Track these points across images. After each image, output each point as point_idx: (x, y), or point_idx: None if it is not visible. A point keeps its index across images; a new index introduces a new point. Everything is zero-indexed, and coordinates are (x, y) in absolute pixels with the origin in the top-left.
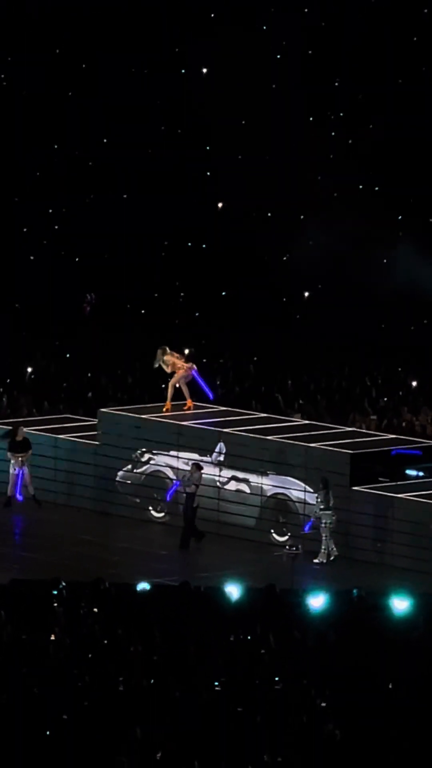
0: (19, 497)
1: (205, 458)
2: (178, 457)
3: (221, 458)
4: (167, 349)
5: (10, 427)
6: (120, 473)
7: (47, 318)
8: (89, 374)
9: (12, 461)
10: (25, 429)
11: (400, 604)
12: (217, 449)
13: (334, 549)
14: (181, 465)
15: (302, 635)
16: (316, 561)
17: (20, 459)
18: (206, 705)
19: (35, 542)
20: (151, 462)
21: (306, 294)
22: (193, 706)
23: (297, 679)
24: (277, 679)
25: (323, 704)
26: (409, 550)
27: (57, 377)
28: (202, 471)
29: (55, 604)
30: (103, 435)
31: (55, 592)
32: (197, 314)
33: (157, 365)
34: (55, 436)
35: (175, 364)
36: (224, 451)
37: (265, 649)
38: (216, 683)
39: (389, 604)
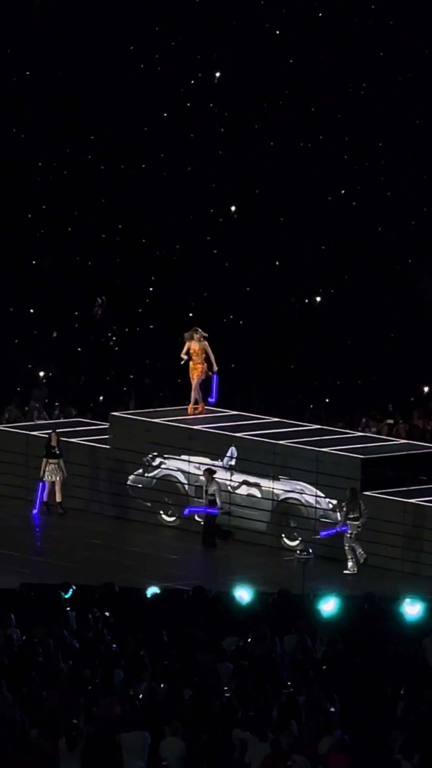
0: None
1: (216, 462)
2: (189, 461)
3: (233, 462)
4: (194, 334)
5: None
6: (131, 477)
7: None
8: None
9: (47, 468)
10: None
11: (412, 610)
12: (228, 453)
13: (362, 552)
14: (192, 469)
15: (313, 641)
16: (347, 572)
17: (53, 466)
18: (217, 710)
19: (46, 546)
20: (162, 466)
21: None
22: (204, 710)
23: (307, 684)
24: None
25: (332, 709)
26: (421, 555)
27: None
28: (215, 475)
29: (68, 608)
30: (114, 439)
31: (67, 596)
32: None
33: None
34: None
35: (192, 356)
36: (236, 455)
37: (275, 655)
38: (225, 688)
39: (401, 610)
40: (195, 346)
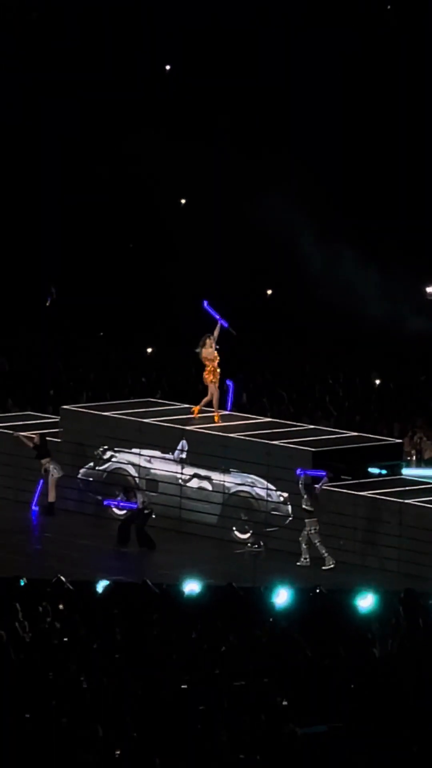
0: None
1: (167, 455)
2: (140, 455)
3: (183, 455)
4: (208, 341)
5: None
6: (82, 470)
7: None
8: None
9: (51, 467)
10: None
11: (364, 602)
12: (179, 446)
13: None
14: (143, 462)
15: (263, 633)
16: (325, 567)
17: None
18: (168, 703)
19: None
20: (113, 459)
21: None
22: (155, 705)
23: (258, 677)
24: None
25: (284, 703)
26: (372, 548)
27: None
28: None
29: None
30: (65, 432)
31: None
32: None
33: (198, 351)
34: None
35: (206, 364)
36: (186, 448)
37: (225, 647)
38: (179, 682)
39: (353, 602)
40: (212, 353)
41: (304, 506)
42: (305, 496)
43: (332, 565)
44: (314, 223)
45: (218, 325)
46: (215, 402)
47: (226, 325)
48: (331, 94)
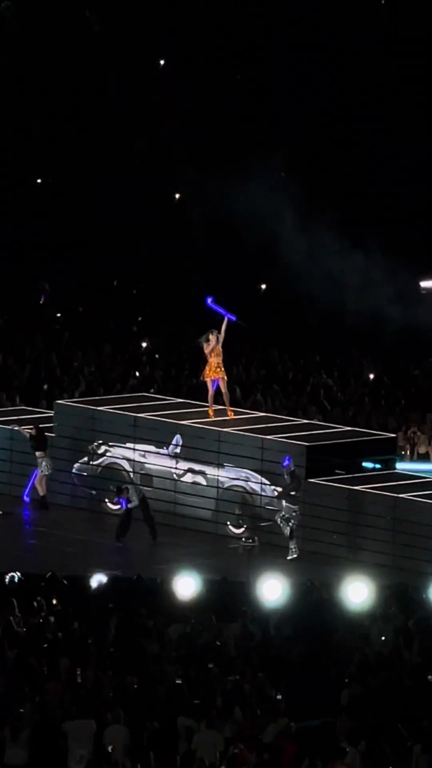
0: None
1: (161, 450)
2: (134, 449)
3: (178, 450)
4: (212, 337)
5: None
6: (76, 465)
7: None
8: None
9: (43, 462)
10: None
11: (357, 596)
12: (173, 441)
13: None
14: (137, 457)
15: (258, 628)
16: (290, 558)
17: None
18: (163, 697)
19: None
20: (107, 454)
21: None
22: (150, 699)
23: (253, 671)
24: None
25: (278, 696)
26: (366, 542)
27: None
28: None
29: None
30: (59, 427)
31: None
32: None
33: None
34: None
35: (209, 359)
36: (181, 443)
37: (220, 642)
38: (175, 678)
39: (346, 596)
40: (217, 348)
41: (291, 493)
42: (291, 483)
43: (295, 556)
44: (298, 214)
45: (225, 321)
46: (210, 397)
47: (234, 318)
48: (308, 79)
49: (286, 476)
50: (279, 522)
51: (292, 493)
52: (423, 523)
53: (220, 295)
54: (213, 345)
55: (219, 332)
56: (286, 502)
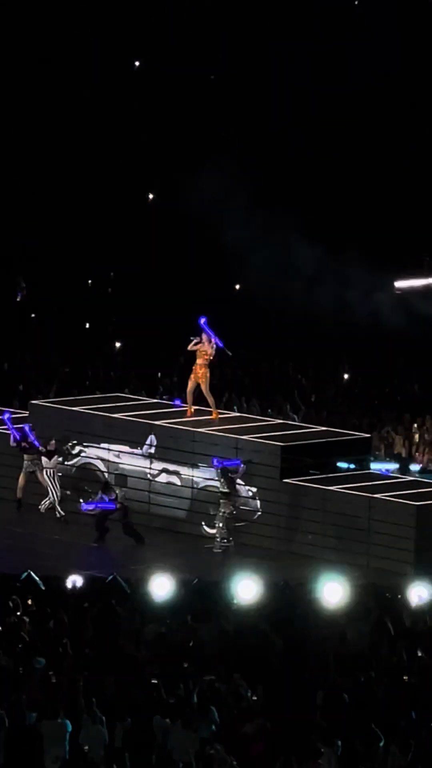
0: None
1: (136, 450)
2: (108, 449)
3: (152, 450)
4: (205, 337)
5: None
6: None
7: None
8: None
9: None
10: None
11: (332, 597)
12: (148, 441)
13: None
14: (111, 457)
15: (233, 628)
16: (217, 551)
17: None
18: (139, 697)
19: None
20: (82, 454)
21: None
22: (127, 699)
23: (228, 672)
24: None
25: (254, 698)
26: (340, 542)
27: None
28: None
29: None
30: (33, 427)
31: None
32: None
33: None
34: None
35: (202, 357)
36: (155, 443)
37: (195, 642)
38: (151, 678)
39: (321, 595)
40: (208, 348)
41: (221, 489)
42: (221, 480)
43: (220, 551)
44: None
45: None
46: (189, 396)
47: (221, 345)
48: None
49: (217, 472)
50: (218, 522)
51: (223, 489)
52: (398, 523)
53: (196, 295)
54: (200, 345)
55: (211, 342)
56: (222, 500)
